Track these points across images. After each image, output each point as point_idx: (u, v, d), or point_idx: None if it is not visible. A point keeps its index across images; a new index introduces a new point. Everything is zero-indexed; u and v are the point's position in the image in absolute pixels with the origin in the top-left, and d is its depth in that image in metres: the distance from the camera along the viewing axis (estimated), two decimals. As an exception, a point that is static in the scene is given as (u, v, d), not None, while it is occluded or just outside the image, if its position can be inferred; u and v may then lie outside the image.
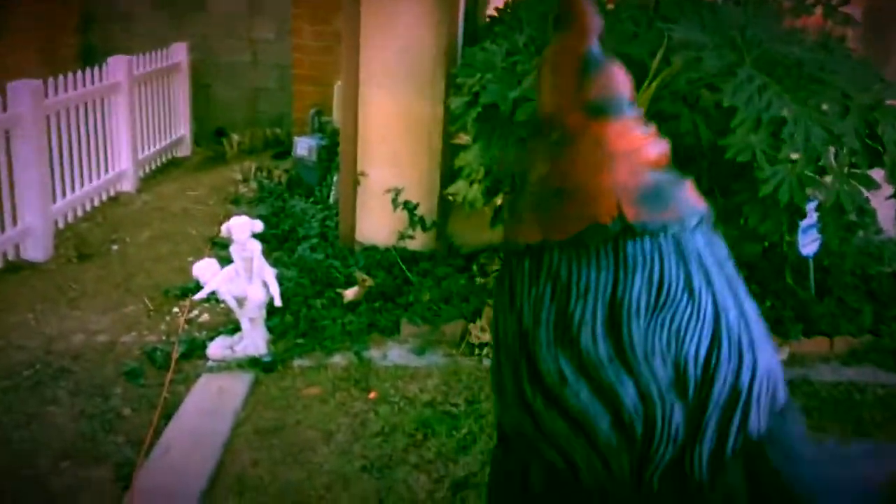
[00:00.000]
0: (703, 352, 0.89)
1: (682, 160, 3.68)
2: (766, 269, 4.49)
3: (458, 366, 3.76)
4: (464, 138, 4.19)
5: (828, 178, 3.28)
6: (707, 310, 0.91)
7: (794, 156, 3.23)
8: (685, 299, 0.90)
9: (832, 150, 3.23)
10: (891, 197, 3.55)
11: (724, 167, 3.54)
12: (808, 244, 4.21)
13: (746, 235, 3.71)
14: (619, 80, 0.99)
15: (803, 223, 3.84)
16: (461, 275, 4.39)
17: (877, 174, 3.40)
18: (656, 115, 3.46)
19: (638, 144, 0.97)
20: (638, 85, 3.44)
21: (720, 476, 0.92)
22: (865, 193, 3.35)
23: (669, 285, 0.90)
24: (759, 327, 0.96)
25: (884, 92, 3.39)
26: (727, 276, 0.96)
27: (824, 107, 3.14)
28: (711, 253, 0.95)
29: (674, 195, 0.95)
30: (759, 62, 2.95)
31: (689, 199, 0.97)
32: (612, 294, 0.90)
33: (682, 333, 0.89)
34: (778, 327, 4.06)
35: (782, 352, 3.99)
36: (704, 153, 3.57)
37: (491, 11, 4.78)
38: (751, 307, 0.97)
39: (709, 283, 0.92)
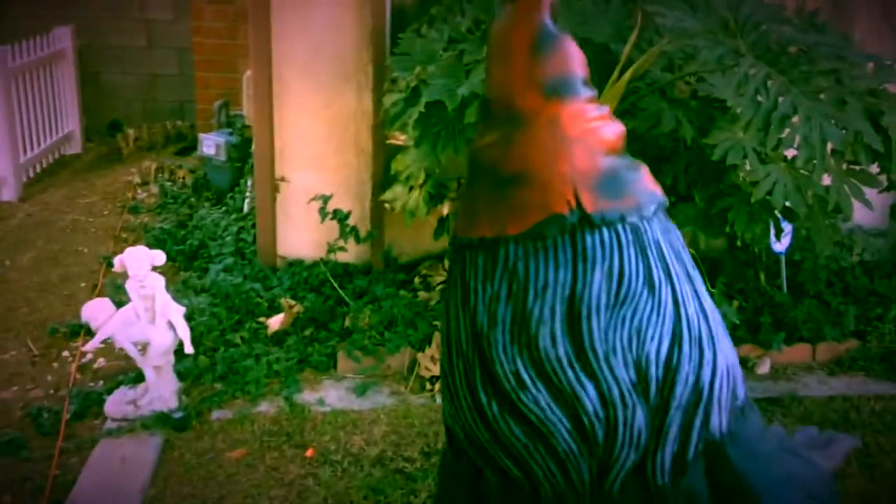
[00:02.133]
0: (664, 350, 0.85)
1: (655, 160, 3.20)
2: (730, 266, 4.11)
3: (409, 406, 3.23)
4: (400, 138, 3.63)
5: (826, 177, 2.86)
6: (668, 304, 0.86)
7: (790, 152, 2.81)
8: (645, 294, 0.85)
9: (829, 145, 2.80)
10: (884, 190, 3.17)
11: (705, 167, 3.09)
12: (781, 240, 3.83)
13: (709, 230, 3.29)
14: (575, 57, 0.91)
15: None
16: (403, 292, 3.84)
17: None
18: (628, 113, 2.98)
19: (594, 127, 0.89)
20: (605, 75, 2.94)
21: (682, 479, 0.87)
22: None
23: (630, 279, 0.85)
24: (717, 320, 0.91)
25: (880, 75, 2.98)
26: (685, 266, 0.91)
27: (821, 96, 2.71)
28: (669, 242, 0.90)
29: (631, 181, 0.89)
30: (756, 48, 2.49)
31: (647, 185, 0.90)
32: (572, 291, 0.84)
33: (642, 331, 0.84)
34: (756, 336, 3.68)
35: (763, 364, 3.62)
36: (681, 153, 3.11)
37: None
38: (707, 299, 0.91)
39: (668, 275, 0.87)
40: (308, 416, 3.16)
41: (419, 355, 3.43)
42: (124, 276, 3.08)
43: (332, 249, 3.93)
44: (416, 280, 4.04)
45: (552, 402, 0.85)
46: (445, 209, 3.60)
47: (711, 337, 0.89)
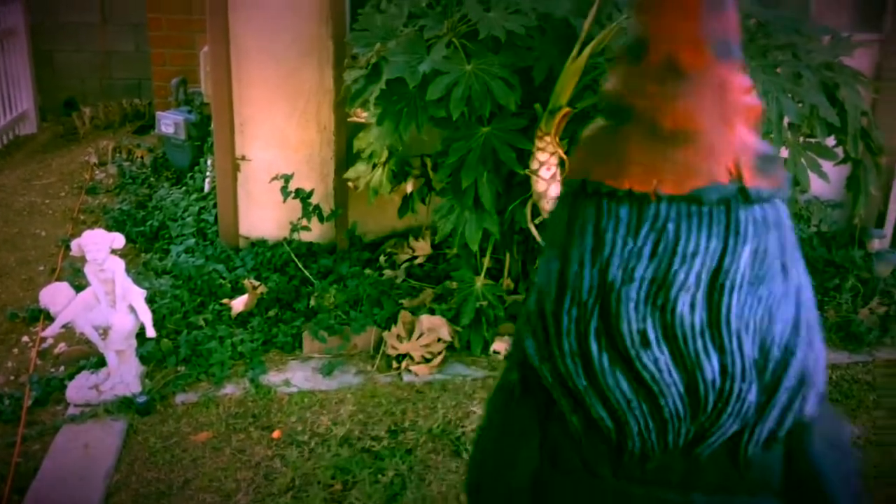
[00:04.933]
0: (787, 332, 0.87)
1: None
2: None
3: (375, 385, 3.24)
4: (362, 115, 3.59)
5: (784, 150, 2.90)
6: (793, 288, 0.88)
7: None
8: (780, 276, 0.87)
9: (786, 119, 2.84)
10: (840, 162, 3.22)
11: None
12: (742, 212, 3.88)
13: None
14: (737, 20, 0.87)
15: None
16: (369, 271, 3.83)
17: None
18: (589, 89, 2.98)
19: (752, 98, 0.87)
20: (566, 50, 2.94)
21: (767, 454, 0.90)
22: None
23: (772, 259, 0.86)
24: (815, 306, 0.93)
25: (836, 48, 3.01)
26: (800, 252, 0.91)
27: (778, 70, 2.73)
28: (790, 224, 0.91)
29: (778, 161, 0.89)
30: (714, 23, 2.49)
31: (784, 169, 0.90)
32: (720, 262, 0.85)
33: (773, 311, 0.86)
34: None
35: (725, 335, 3.67)
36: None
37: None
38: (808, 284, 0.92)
39: (795, 259, 0.89)
40: (274, 397, 3.15)
41: (385, 334, 3.43)
42: (83, 259, 3.03)
43: (295, 229, 3.90)
44: (382, 258, 4.03)
45: (672, 365, 0.86)
46: (409, 187, 3.58)
47: (818, 325, 0.92)
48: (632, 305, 0.86)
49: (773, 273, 0.87)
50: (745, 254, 0.86)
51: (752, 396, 0.88)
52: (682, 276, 0.85)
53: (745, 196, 0.85)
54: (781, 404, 0.89)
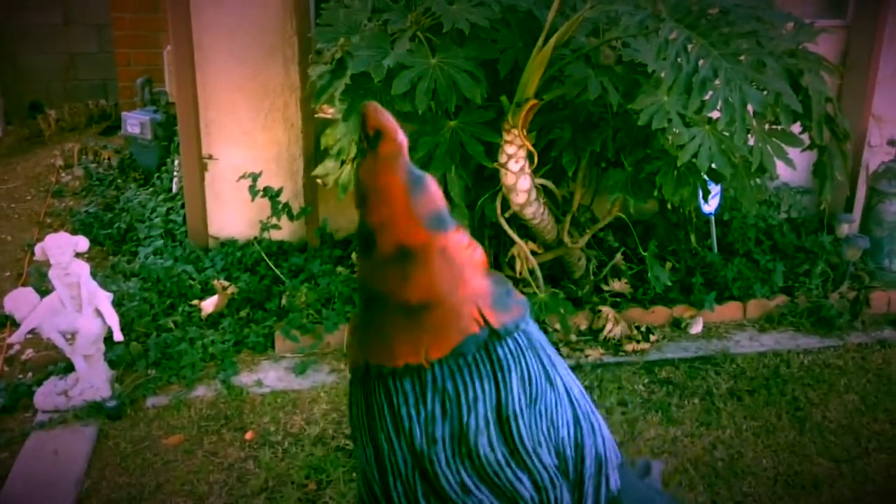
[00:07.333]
0: (572, 432, 0.98)
1: (584, 127, 3.19)
2: (662, 228, 4.17)
3: (349, 383, 3.21)
4: (328, 111, 3.57)
5: (750, 138, 2.90)
6: (563, 392, 0.98)
7: (714, 115, 2.84)
8: (549, 388, 0.97)
9: (749, 106, 2.85)
10: (806, 149, 3.24)
11: (633, 132, 3.11)
12: (709, 201, 3.90)
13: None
14: (439, 193, 0.98)
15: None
16: (341, 268, 3.81)
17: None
18: (556, 80, 2.97)
19: (471, 252, 0.98)
20: (531, 42, 2.93)
21: None
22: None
23: (537, 378, 0.96)
24: (584, 391, 1.04)
25: (799, 35, 3.03)
26: (556, 355, 1.01)
27: (741, 58, 2.73)
28: (544, 339, 1.01)
29: (511, 293, 0.98)
30: (677, 12, 2.50)
31: (518, 294, 1.00)
32: (498, 398, 0.94)
33: (554, 420, 0.96)
34: (689, 296, 3.75)
35: (696, 324, 3.69)
36: (609, 119, 3.12)
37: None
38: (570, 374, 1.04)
39: (554, 367, 0.99)
40: (246, 398, 3.12)
41: (357, 331, 3.40)
42: (48, 264, 2.98)
43: (265, 227, 3.87)
44: (354, 255, 4.00)
45: (494, 500, 0.95)
46: (378, 183, 3.56)
47: (593, 410, 1.02)
48: (444, 463, 0.95)
49: (542, 388, 0.97)
50: (514, 382, 0.95)
51: (566, 498, 0.97)
52: (473, 423, 0.94)
53: (496, 336, 0.94)
54: (591, 493, 0.99)
